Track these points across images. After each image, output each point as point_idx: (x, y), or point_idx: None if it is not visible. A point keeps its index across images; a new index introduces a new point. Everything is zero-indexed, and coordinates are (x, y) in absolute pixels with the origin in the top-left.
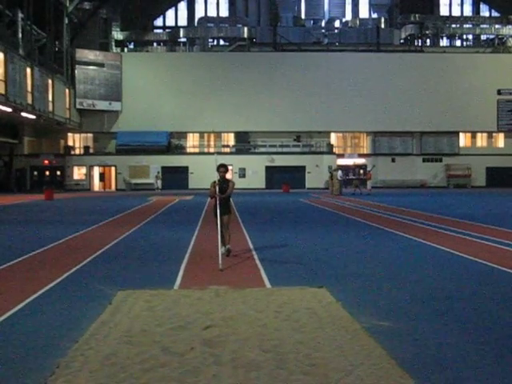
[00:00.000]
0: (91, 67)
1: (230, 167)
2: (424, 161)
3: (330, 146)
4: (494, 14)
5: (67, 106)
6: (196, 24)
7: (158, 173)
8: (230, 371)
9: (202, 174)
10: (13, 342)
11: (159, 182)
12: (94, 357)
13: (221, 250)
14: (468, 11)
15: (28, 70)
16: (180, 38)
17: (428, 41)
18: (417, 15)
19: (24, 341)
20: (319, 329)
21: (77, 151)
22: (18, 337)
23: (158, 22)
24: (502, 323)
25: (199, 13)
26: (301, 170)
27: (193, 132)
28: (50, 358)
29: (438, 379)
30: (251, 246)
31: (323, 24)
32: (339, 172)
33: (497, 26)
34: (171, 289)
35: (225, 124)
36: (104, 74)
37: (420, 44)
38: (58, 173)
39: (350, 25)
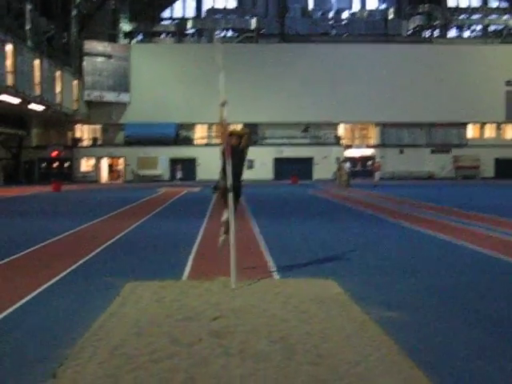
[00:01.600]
0: (99, 58)
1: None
2: (432, 152)
3: (338, 138)
4: (503, 4)
5: (75, 97)
6: (204, 15)
7: (179, 164)
8: (238, 362)
9: (210, 166)
10: (22, 332)
11: (180, 173)
12: (102, 348)
13: (221, 237)
14: (476, 2)
15: (36, 62)
16: (188, 29)
17: (436, 32)
18: (425, 6)
19: (33, 332)
20: (327, 320)
21: (85, 143)
22: (27, 328)
23: (166, 13)
24: (510, 313)
25: (207, 4)
26: (309, 161)
27: (201, 123)
28: (58, 349)
29: (447, 370)
30: (261, 239)
31: (331, 15)
32: (347, 163)
33: (505, 17)
34: (179, 280)
35: (233, 115)
36: (112, 65)
37: (428, 35)
38: (66, 164)
39: (357, 16)
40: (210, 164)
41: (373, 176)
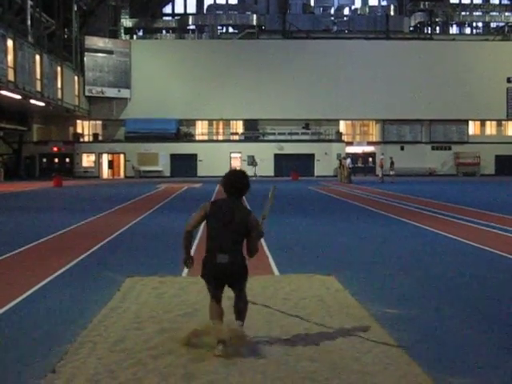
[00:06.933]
0: (100, 54)
1: (237, 155)
2: (433, 149)
3: (339, 134)
4: (504, 1)
5: (76, 93)
6: (205, 11)
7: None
8: (237, 358)
9: (211, 162)
10: (21, 328)
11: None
12: (102, 343)
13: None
14: None
15: (37, 58)
16: (189, 25)
17: (437, 28)
18: (426, 3)
19: (32, 327)
20: (327, 316)
21: (86, 138)
22: (27, 323)
23: (167, 9)
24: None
25: (208, 0)
26: (310, 157)
27: (201, 119)
28: (58, 345)
29: (444, 366)
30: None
31: (332, 11)
32: (348, 160)
33: (506, 14)
34: (179, 276)
35: (234, 111)
36: (113, 61)
37: (429, 32)
38: (67, 160)
39: (359, 12)
40: (210, 160)
41: (379, 171)
